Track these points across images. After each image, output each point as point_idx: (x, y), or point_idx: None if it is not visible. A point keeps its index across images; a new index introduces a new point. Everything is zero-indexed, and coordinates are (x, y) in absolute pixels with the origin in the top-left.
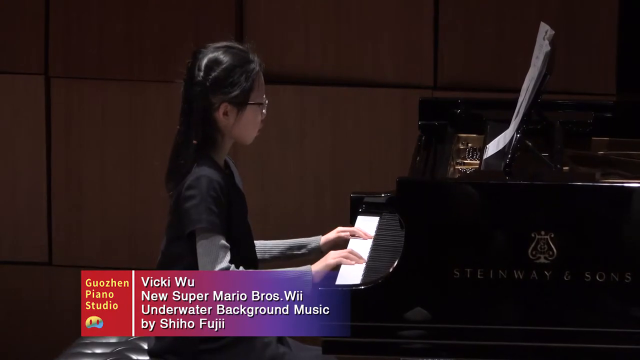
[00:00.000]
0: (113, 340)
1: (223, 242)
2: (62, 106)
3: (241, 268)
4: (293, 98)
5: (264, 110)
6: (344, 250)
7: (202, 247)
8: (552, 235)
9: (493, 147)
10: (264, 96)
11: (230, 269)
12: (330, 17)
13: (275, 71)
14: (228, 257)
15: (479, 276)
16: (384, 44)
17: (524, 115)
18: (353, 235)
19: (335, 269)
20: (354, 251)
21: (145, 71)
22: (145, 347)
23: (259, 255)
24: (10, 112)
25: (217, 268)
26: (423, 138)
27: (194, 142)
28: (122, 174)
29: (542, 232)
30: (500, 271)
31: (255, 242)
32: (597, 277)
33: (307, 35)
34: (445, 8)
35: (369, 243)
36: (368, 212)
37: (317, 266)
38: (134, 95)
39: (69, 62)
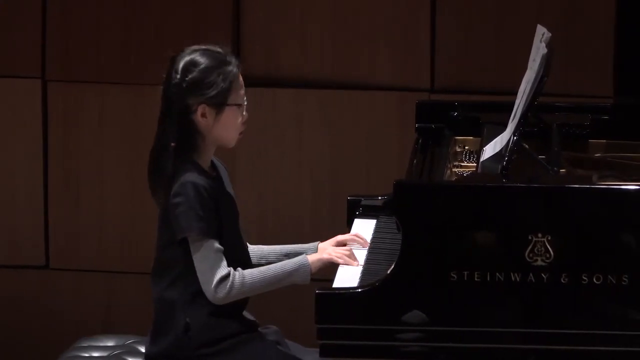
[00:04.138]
0: (110, 343)
1: (217, 245)
2: (59, 109)
3: (239, 269)
4: (290, 101)
5: (244, 112)
6: (344, 249)
7: (198, 254)
8: (549, 238)
9: (490, 150)
10: (244, 98)
11: (230, 275)
12: (327, 20)
13: (272, 74)
14: (225, 261)
15: (476, 279)
16: (381, 47)
17: (521, 117)
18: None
19: (332, 266)
20: (352, 254)
21: (142, 75)
22: (143, 350)
23: (255, 260)
24: (7, 116)
25: (218, 275)
26: (420, 141)
27: (172, 144)
28: (119, 178)
29: (539, 235)
30: (497, 274)
31: (251, 246)
32: (594, 280)
33: (304, 39)
34: (442, 11)
35: (366, 248)
36: (365, 215)
37: (314, 257)
38: (131, 98)
39: (66, 66)
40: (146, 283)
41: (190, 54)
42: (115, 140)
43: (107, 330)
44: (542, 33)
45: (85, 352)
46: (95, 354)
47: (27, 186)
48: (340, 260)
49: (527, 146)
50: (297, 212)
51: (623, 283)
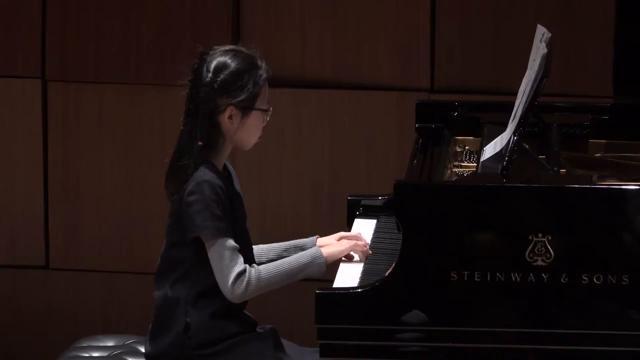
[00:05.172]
0: (110, 343)
1: (232, 243)
2: (59, 109)
3: (254, 265)
4: (290, 101)
5: (267, 118)
6: (353, 235)
7: (214, 252)
8: (550, 238)
9: (490, 150)
10: (268, 103)
11: (246, 271)
12: (327, 20)
13: (272, 74)
14: (241, 258)
15: (476, 279)
16: (381, 47)
17: (521, 117)
18: None
19: (333, 265)
20: (360, 236)
21: (142, 74)
22: (143, 350)
23: (256, 260)
24: (7, 116)
25: (234, 273)
26: (420, 141)
27: (199, 143)
28: (119, 177)
29: (540, 235)
30: (497, 274)
31: None
32: (595, 280)
33: (304, 39)
34: (441, 10)
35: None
36: (365, 215)
37: (329, 250)
38: (131, 98)
39: (66, 66)
40: (146, 283)
41: (222, 54)
42: (115, 140)
43: (107, 330)
44: (542, 33)
45: (85, 352)
46: (95, 354)
47: (27, 186)
48: (357, 248)
49: (527, 146)
50: (297, 212)
51: (623, 283)
